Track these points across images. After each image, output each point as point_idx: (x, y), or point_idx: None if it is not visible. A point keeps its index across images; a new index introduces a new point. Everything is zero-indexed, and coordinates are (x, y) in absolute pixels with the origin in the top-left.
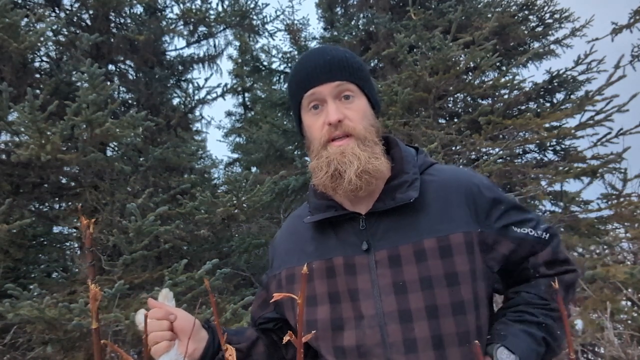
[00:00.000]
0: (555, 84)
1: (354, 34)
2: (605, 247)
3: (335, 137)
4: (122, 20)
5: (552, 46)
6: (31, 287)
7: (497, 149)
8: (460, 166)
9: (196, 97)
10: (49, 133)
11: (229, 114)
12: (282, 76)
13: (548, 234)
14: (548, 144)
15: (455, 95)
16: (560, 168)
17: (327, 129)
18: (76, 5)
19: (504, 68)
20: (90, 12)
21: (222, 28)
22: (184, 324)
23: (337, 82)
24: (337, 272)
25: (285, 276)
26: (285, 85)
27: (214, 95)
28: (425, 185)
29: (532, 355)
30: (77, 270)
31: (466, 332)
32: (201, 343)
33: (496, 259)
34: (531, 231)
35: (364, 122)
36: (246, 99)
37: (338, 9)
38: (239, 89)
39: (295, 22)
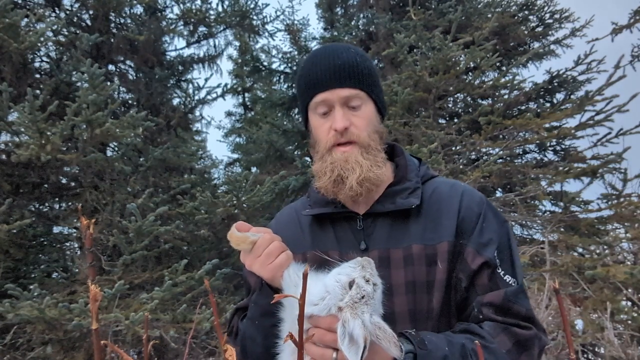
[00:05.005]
0: (555, 84)
1: (354, 34)
2: (605, 247)
3: (340, 143)
4: (122, 21)
5: (552, 46)
6: (31, 287)
7: (497, 149)
8: (460, 166)
9: (196, 97)
10: (49, 133)
11: (229, 114)
12: (282, 76)
13: (516, 283)
14: (548, 144)
15: (455, 95)
16: (560, 168)
17: (333, 134)
18: (76, 5)
19: (504, 68)
20: (90, 12)
21: (222, 28)
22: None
23: (346, 90)
24: (332, 265)
25: None
26: (285, 86)
27: (214, 95)
28: (423, 194)
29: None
30: (77, 270)
31: None
32: None
33: (465, 273)
34: (503, 272)
35: (369, 128)
36: (246, 99)
37: (338, 9)
38: (239, 89)
39: (295, 22)
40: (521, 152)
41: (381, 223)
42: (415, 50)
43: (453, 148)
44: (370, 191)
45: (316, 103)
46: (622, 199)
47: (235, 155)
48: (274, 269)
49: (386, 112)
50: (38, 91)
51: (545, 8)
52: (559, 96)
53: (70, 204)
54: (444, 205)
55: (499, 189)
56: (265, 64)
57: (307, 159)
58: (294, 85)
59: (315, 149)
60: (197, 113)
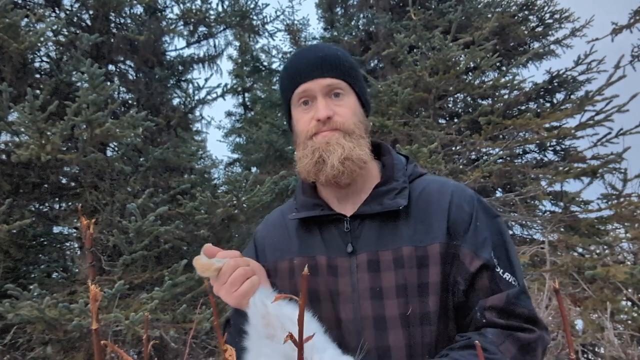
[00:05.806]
0: (555, 84)
1: (354, 34)
2: (605, 247)
3: (322, 132)
4: (122, 21)
5: (552, 46)
6: (31, 287)
7: (497, 149)
8: (460, 166)
9: (196, 97)
10: (49, 133)
11: (229, 114)
12: None
13: (516, 280)
14: (548, 144)
15: (455, 95)
16: (560, 168)
17: (314, 124)
18: (76, 5)
19: (504, 68)
20: (90, 12)
21: (222, 28)
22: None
23: (328, 80)
24: (319, 271)
25: (270, 268)
26: None
27: (214, 95)
28: (411, 194)
29: None
30: (77, 270)
31: (430, 343)
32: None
33: (463, 276)
34: (502, 270)
35: (354, 118)
36: (246, 99)
37: (338, 9)
38: (239, 89)
39: (295, 22)
40: (521, 152)
41: (369, 225)
42: (415, 50)
43: (453, 148)
44: (353, 172)
45: (298, 94)
46: (622, 199)
47: (235, 155)
48: (238, 297)
49: (369, 108)
50: (38, 91)
51: (545, 8)
52: (559, 96)
53: (70, 204)
54: (433, 205)
55: (499, 189)
56: (265, 64)
57: None
58: None
59: (297, 142)
60: (197, 113)
